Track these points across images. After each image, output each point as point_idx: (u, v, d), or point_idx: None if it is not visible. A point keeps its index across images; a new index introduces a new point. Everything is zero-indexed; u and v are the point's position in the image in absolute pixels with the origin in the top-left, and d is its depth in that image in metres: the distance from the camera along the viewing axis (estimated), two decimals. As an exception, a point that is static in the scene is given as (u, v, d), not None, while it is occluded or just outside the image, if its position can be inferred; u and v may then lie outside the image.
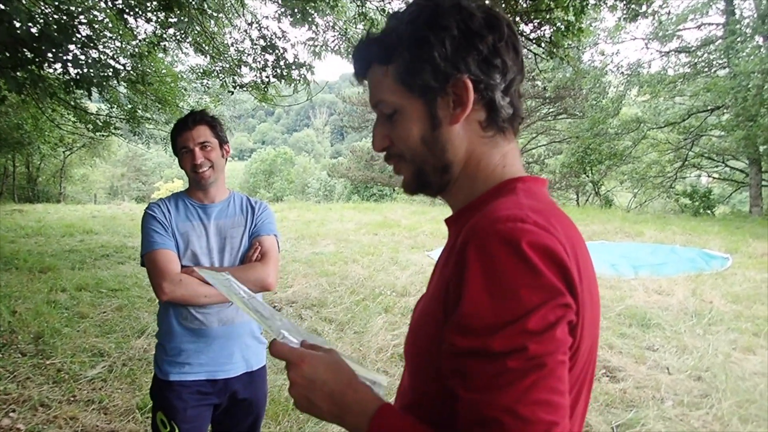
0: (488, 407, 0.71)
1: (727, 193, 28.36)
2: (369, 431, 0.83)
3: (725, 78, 21.82)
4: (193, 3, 6.15)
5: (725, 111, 22.76)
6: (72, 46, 4.30)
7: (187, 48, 10.08)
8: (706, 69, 24.20)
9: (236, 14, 8.91)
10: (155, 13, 6.78)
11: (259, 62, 8.24)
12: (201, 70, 10.37)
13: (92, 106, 14.05)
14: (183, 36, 8.32)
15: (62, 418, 3.85)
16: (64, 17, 4.50)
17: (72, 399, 4.16)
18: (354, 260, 9.74)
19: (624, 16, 6.68)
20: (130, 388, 4.35)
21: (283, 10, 7.29)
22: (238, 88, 8.72)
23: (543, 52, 6.43)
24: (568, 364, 0.75)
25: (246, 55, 8.68)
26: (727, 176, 27.53)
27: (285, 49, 7.71)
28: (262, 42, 7.98)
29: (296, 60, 7.61)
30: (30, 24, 3.78)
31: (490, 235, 0.76)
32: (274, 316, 1.09)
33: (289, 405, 3.81)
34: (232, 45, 9.14)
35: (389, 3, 7.52)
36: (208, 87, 12.26)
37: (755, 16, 22.02)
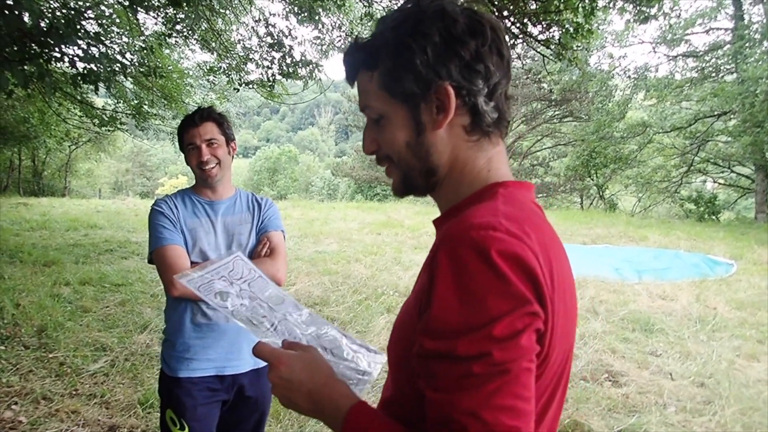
0: (453, 409, 0.73)
1: (733, 198, 28.26)
2: (343, 428, 0.85)
3: (733, 83, 21.74)
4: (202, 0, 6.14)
5: (732, 116, 22.66)
6: (80, 41, 4.29)
7: (193, 45, 10.09)
8: (714, 74, 24.11)
9: (244, 11, 8.91)
10: (163, 9, 6.78)
11: (266, 59, 8.24)
12: (207, 67, 10.38)
13: (99, 101, 14.09)
14: (190, 32, 8.33)
15: (64, 411, 3.85)
16: (72, 12, 4.50)
17: (74, 393, 4.16)
18: (357, 259, 9.73)
19: (634, 18, 6.65)
20: (132, 383, 4.35)
21: (290, 7, 7.29)
22: (244, 85, 8.72)
23: (551, 54, 6.41)
24: (534, 371, 0.76)
25: (253, 52, 8.68)
26: (732, 182, 27.44)
27: (292, 47, 7.71)
28: (269, 39, 7.98)
29: (303, 58, 7.60)
30: (39, 17, 3.78)
31: (461, 241, 0.77)
32: (274, 310, 1.11)
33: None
34: (239, 42, 9.15)
35: (396, 3, 7.51)
36: (214, 84, 12.27)
37: (764, 21, 21.95)
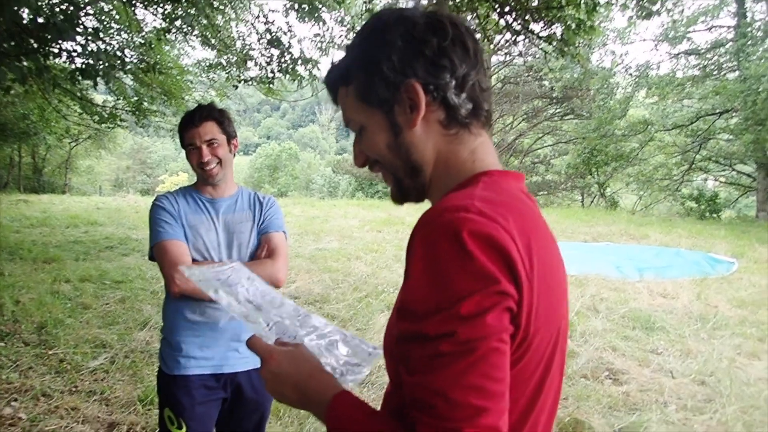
0: (423, 390, 0.75)
1: (734, 197, 28.20)
2: (326, 418, 0.88)
3: (735, 81, 21.69)
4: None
5: (734, 114, 22.63)
6: (78, 37, 4.27)
7: (193, 41, 10.07)
8: (716, 72, 24.06)
9: (243, 7, 8.89)
10: (162, 4, 6.76)
11: (265, 56, 8.22)
12: (207, 64, 10.37)
13: (99, 98, 14.07)
14: (190, 28, 8.31)
15: (63, 408, 3.85)
16: (70, 7, 4.48)
17: (74, 389, 4.15)
18: (357, 257, 9.72)
19: (636, 14, 6.62)
20: (132, 380, 4.34)
21: (290, 4, 7.26)
22: (243, 82, 8.70)
23: (553, 51, 6.39)
24: (506, 353, 0.76)
25: (252, 49, 8.67)
26: (734, 180, 27.39)
27: (290, 44, 7.69)
28: (268, 36, 7.96)
29: (302, 55, 7.58)
30: (36, 13, 3.76)
31: (433, 224, 0.79)
32: (271, 309, 1.12)
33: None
34: (239, 38, 9.13)
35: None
36: (213, 81, 12.26)
37: (767, 18, 21.90)
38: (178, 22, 8.16)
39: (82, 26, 4.37)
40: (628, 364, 4.99)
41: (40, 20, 3.67)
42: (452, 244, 0.75)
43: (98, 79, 4.49)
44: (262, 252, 2.24)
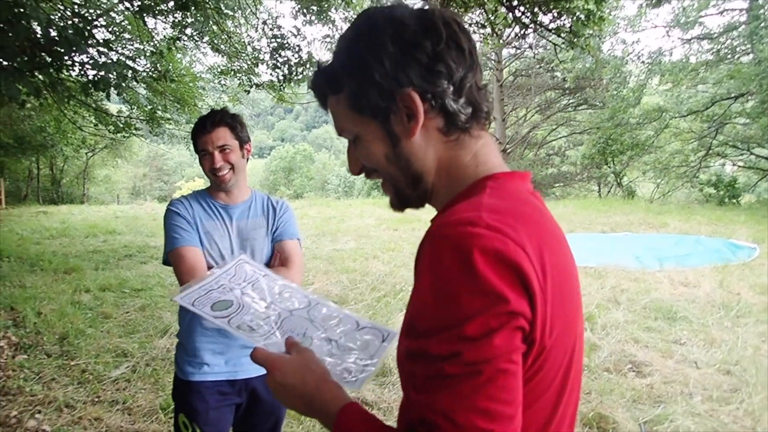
0: (428, 409, 0.73)
1: (753, 181, 27.80)
2: (334, 430, 0.87)
3: (749, 64, 21.39)
4: (210, 2, 6.15)
5: (750, 98, 22.31)
6: (90, 49, 4.31)
7: (205, 48, 10.12)
8: (730, 55, 23.75)
9: (252, 13, 8.92)
10: (172, 13, 6.81)
11: (276, 61, 8.25)
12: (219, 70, 10.42)
13: (113, 108, 14.21)
14: (200, 35, 8.35)
15: (87, 419, 3.88)
16: (81, 21, 4.52)
17: (96, 400, 4.19)
18: (374, 256, 9.71)
19: (646, 2, 6.54)
20: (154, 389, 4.37)
21: (299, 7, 7.27)
22: (254, 87, 8.73)
23: (563, 42, 6.32)
24: (516, 373, 0.74)
25: (263, 53, 8.69)
26: (752, 164, 26.99)
27: (300, 47, 7.70)
28: (278, 40, 7.98)
29: (310, 58, 7.59)
30: (48, 27, 3.79)
31: (440, 238, 0.77)
32: (279, 306, 1.11)
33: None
34: (249, 44, 9.16)
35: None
36: (226, 87, 12.32)
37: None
38: (188, 30, 8.21)
39: (93, 39, 4.40)
40: (651, 356, 4.93)
41: (53, 34, 3.72)
42: (460, 261, 0.73)
43: (111, 89, 4.53)
44: (275, 261, 2.23)
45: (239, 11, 8.71)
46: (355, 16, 0.94)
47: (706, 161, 26.11)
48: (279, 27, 7.99)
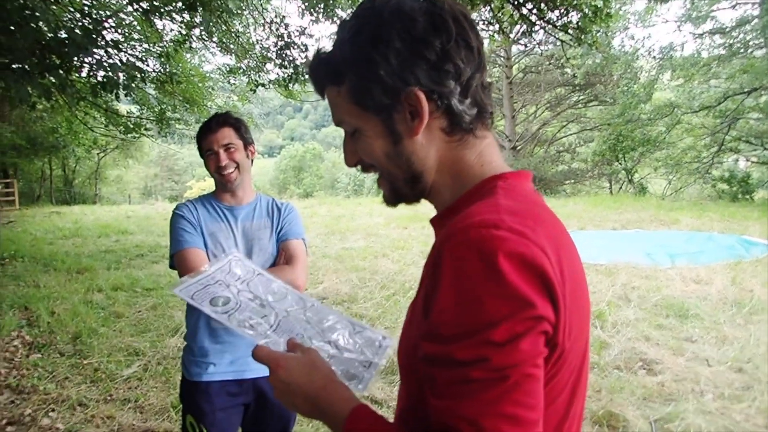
0: (452, 416, 0.71)
1: (767, 177, 27.55)
2: None
3: (762, 58, 21.18)
4: (217, 2, 6.18)
5: (763, 93, 22.07)
6: (98, 50, 4.34)
7: (213, 48, 10.16)
8: (742, 50, 23.48)
9: (258, 12, 8.94)
10: (180, 13, 6.84)
11: (283, 58, 8.26)
12: (227, 69, 10.46)
13: (123, 108, 14.30)
14: (208, 35, 8.38)
15: (99, 417, 3.91)
16: (90, 22, 4.56)
17: (108, 398, 4.22)
18: (384, 255, 9.72)
19: (655, -2, 6.49)
20: (165, 387, 4.40)
21: (305, 5, 7.28)
22: (261, 85, 8.76)
23: (570, 39, 6.29)
24: (540, 377, 0.73)
25: (270, 52, 8.72)
26: (766, 160, 26.72)
27: (306, 46, 7.72)
28: (284, 39, 7.99)
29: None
30: (56, 29, 3.82)
31: (462, 241, 0.75)
32: (276, 307, 1.11)
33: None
34: (257, 43, 9.18)
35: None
36: (235, 86, 12.36)
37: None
38: (196, 31, 8.25)
39: (102, 40, 4.43)
40: (662, 354, 4.90)
41: (63, 34, 3.75)
42: (484, 265, 0.71)
43: (120, 90, 4.56)
44: (280, 260, 2.25)
45: (247, 10, 8.73)
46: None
47: (719, 157, 25.87)
48: (286, 26, 8.01)
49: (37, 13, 3.26)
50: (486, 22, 6.90)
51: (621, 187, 29.13)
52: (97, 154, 27.93)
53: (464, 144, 0.91)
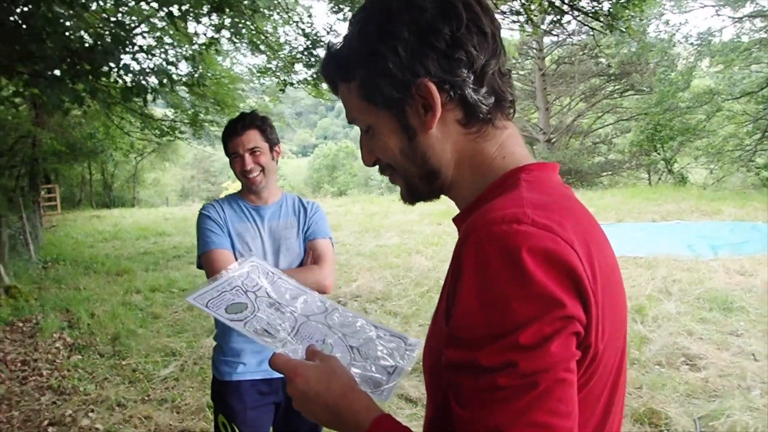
0: (479, 426, 0.66)
1: (814, 163, 26.60)
2: None
3: (806, 41, 20.43)
4: (244, 2, 6.21)
5: (808, 76, 21.33)
6: (127, 56, 4.40)
7: (244, 50, 10.24)
8: (785, 33, 22.72)
9: (286, 12, 8.97)
10: (208, 15, 6.91)
11: (312, 57, 8.28)
12: (258, 69, 10.53)
13: (159, 112, 14.54)
14: (238, 37, 8.45)
15: (137, 417, 3.97)
16: (118, 28, 4.62)
17: (146, 398, 4.29)
18: (418, 251, 9.67)
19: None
20: (201, 387, 4.44)
21: (332, 4, 7.27)
22: (290, 85, 8.79)
23: (602, 26, 6.12)
24: (573, 382, 0.68)
25: (299, 51, 8.75)
26: (812, 145, 25.82)
27: (335, 44, 7.72)
28: (312, 38, 8.01)
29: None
30: (86, 36, 3.88)
31: (483, 238, 0.69)
32: (296, 312, 1.08)
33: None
34: (286, 43, 9.22)
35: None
36: (266, 86, 12.44)
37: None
38: (226, 33, 8.31)
39: (131, 45, 4.49)
40: (706, 348, 4.75)
41: (90, 42, 3.80)
42: (508, 263, 0.66)
43: (151, 95, 4.61)
44: (308, 259, 2.24)
45: (275, 10, 8.77)
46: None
47: (762, 144, 25.04)
48: (311, 24, 8.03)
49: (68, 22, 3.31)
50: (515, 13, 6.78)
51: (660, 178, 28.46)
52: (135, 157, 28.52)
53: (483, 135, 0.85)
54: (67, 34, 3.46)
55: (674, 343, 4.87)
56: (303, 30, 8.37)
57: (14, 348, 5.45)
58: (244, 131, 2.19)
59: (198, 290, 1.10)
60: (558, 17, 6.32)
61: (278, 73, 9.43)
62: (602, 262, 0.74)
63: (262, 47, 9.33)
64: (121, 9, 7.54)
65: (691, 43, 24.91)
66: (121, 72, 4.35)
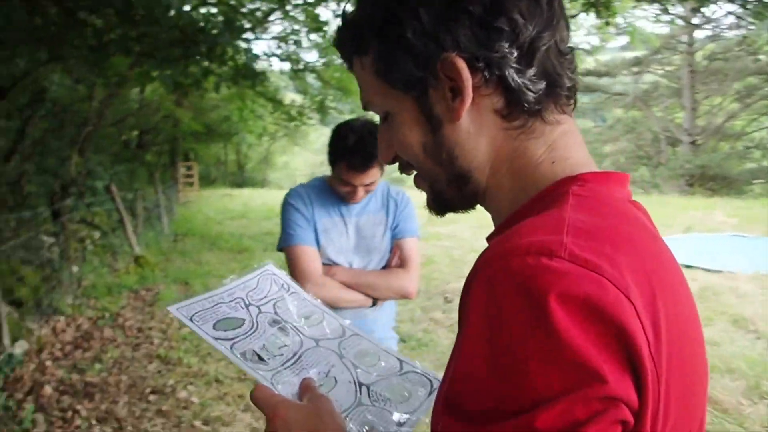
0: None
1: None
2: None
3: None
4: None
5: None
6: (238, 40, 4.48)
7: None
8: None
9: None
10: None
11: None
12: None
13: (290, 97, 15.02)
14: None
15: (231, 395, 4.04)
16: (231, 12, 4.76)
17: (243, 377, 4.35)
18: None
19: None
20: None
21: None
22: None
23: (750, 14, 5.40)
24: None
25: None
26: None
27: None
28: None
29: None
30: (195, 20, 3.98)
31: (498, 274, 0.50)
32: (305, 334, 0.92)
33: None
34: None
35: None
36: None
37: None
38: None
39: (249, 31, 4.57)
40: None
41: (202, 23, 3.92)
42: (529, 315, 0.47)
43: (257, 79, 4.69)
44: (393, 260, 2.09)
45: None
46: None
47: None
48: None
49: (176, 9, 3.41)
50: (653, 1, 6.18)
51: (824, 189, 25.56)
52: (267, 140, 29.92)
53: (528, 132, 0.64)
54: (178, 15, 3.55)
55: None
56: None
57: (134, 315, 5.80)
58: (367, 169, 1.95)
59: (186, 300, 0.94)
60: (698, 4, 5.66)
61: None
62: (674, 316, 0.52)
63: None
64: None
65: None
66: (237, 55, 4.44)
